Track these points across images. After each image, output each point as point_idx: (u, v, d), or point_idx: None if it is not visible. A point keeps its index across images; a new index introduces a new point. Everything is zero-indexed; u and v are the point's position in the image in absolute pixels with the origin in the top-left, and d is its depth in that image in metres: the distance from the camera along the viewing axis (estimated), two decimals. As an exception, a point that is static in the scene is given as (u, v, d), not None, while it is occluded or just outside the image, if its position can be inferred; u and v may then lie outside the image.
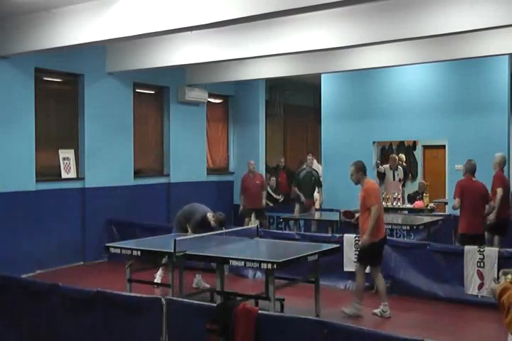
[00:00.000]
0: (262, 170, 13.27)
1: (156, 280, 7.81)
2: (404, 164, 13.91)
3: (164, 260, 7.39)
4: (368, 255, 6.67)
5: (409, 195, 12.63)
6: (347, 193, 11.77)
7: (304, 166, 11.84)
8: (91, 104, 9.96)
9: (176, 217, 8.09)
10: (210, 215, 7.72)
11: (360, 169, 6.68)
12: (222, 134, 13.43)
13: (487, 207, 7.78)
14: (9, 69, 8.70)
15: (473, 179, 7.73)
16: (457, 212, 9.39)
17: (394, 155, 13.26)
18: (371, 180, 7.02)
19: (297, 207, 11.43)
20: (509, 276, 3.97)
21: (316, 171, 11.91)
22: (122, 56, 9.97)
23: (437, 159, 14.80)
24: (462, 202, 7.60)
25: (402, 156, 14.27)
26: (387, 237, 8.44)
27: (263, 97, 13.43)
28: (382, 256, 6.94)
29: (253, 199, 11.50)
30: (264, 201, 11.74)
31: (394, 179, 12.26)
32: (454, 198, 7.70)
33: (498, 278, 5.33)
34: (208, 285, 7.76)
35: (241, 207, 11.66)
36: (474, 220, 7.57)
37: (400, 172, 12.44)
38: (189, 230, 7.74)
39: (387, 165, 12.45)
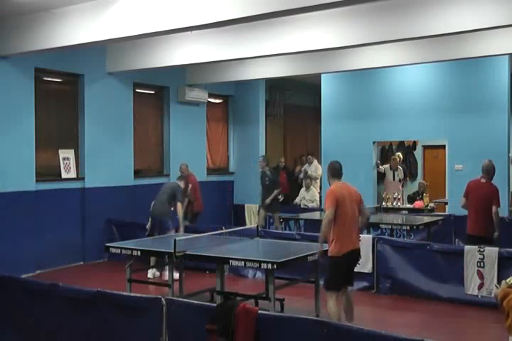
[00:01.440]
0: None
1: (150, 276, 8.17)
2: (400, 162, 13.89)
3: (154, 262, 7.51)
4: (333, 275, 5.73)
5: (409, 196, 12.64)
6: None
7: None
8: (91, 104, 9.96)
9: (156, 209, 8.71)
10: (179, 182, 9.08)
11: (328, 171, 5.96)
12: (222, 134, 13.44)
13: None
14: (9, 69, 8.70)
15: (483, 180, 7.57)
16: (457, 212, 9.44)
17: (395, 156, 13.29)
18: (339, 183, 5.89)
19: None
20: (508, 280, 3.99)
21: (271, 171, 11.44)
22: (122, 56, 9.98)
23: (437, 159, 14.79)
24: (468, 202, 7.59)
25: (400, 155, 14.21)
26: (388, 237, 8.47)
27: (263, 97, 13.43)
28: (349, 277, 5.90)
29: None
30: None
31: (394, 179, 12.27)
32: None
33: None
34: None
35: None
36: (478, 222, 7.47)
37: (400, 173, 12.45)
38: (179, 205, 8.63)
39: (387, 166, 12.46)
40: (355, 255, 5.79)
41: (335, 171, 5.94)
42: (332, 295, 5.70)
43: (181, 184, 9.11)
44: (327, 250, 5.77)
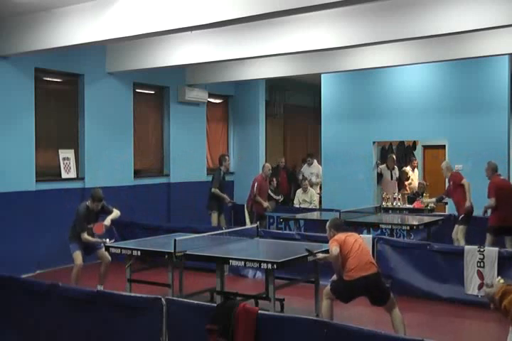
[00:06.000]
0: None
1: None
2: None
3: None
4: (341, 286, 5.66)
5: (409, 197, 12.62)
6: (347, 193, 11.80)
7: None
8: (91, 104, 9.96)
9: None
10: (88, 202, 7.50)
11: (332, 226, 5.87)
12: (222, 134, 13.43)
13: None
14: (9, 69, 8.69)
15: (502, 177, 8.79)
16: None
17: (392, 154, 13.27)
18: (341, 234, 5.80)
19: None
20: (500, 280, 3.98)
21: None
22: (122, 56, 9.97)
23: (437, 159, 14.79)
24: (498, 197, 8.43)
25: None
26: (388, 237, 8.46)
27: (263, 97, 13.43)
28: (376, 300, 5.67)
29: None
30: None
31: (392, 179, 12.27)
32: None
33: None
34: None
35: None
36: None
37: (397, 172, 12.44)
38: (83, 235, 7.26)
39: (384, 165, 12.46)
40: (370, 281, 5.52)
41: (338, 226, 5.88)
42: (330, 296, 5.60)
43: (90, 203, 7.50)
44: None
